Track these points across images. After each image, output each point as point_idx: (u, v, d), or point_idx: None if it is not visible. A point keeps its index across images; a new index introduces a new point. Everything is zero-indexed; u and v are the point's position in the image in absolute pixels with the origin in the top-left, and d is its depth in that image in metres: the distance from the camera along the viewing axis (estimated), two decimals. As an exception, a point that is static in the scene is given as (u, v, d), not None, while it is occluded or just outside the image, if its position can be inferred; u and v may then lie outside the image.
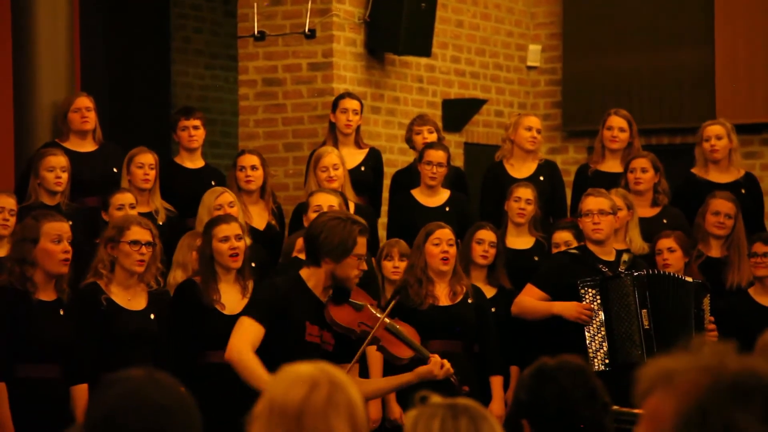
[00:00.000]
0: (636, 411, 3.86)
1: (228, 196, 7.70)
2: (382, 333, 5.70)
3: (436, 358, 5.74)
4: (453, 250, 7.28)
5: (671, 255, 7.64)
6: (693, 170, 8.67)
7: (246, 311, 5.60)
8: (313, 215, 6.96)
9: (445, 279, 7.30)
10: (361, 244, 5.50)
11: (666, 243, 7.69)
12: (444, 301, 7.26)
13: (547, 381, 3.33)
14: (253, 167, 8.17)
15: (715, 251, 8.04)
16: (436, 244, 7.25)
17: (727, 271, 7.94)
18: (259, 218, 8.15)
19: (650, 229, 7.97)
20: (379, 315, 5.68)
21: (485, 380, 7.31)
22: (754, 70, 10.92)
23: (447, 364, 5.73)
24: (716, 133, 8.53)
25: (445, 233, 7.27)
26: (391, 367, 6.19)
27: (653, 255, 7.73)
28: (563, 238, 7.79)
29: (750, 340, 8.10)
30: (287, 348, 5.45)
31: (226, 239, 6.74)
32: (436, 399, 2.89)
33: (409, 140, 8.93)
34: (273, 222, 8.19)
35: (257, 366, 5.37)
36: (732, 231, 8.00)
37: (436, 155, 8.30)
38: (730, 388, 1.92)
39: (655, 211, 8.30)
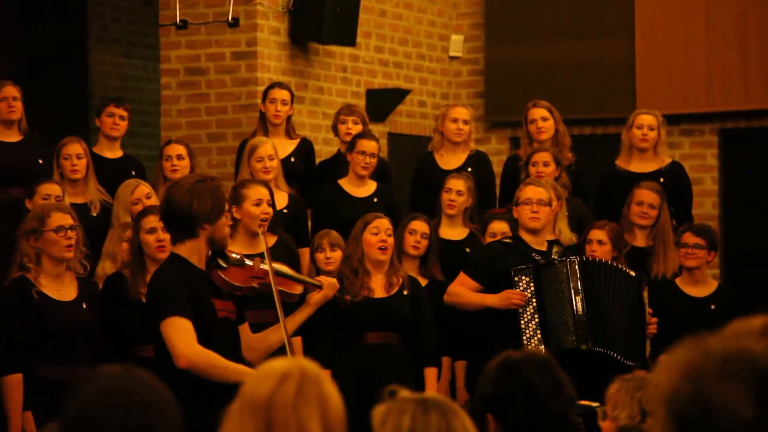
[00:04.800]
0: (592, 404, 3.85)
1: (144, 188, 7.64)
2: (276, 279, 5.72)
3: (325, 280, 5.88)
4: (391, 240, 7.24)
5: (600, 247, 7.65)
6: (616, 161, 8.72)
7: (168, 311, 5.22)
8: (252, 208, 6.85)
9: (381, 270, 7.26)
10: (226, 198, 5.40)
11: (597, 234, 7.69)
12: (379, 293, 7.21)
13: (513, 374, 3.27)
14: (179, 156, 8.12)
15: (640, 241, 8.09)
16: (375, 234, 7.21)
17: (652, 262, 7.99)
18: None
19: None
20: (261, 263, 5.69)
21: (420, 372, 7.28)
22: (673, 61, 11.02)
23: (334, 281, 5.91)
24: (649, 123, 8.59)
25: (383, 223, 7.23)
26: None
27: (582, 244, 7.75)
28: (500, 229, 7.78)
29: (678, 329, 8.19)
30: (207, 332, 5.28)
31: (152, 231, 6.64)
32: (404, 393, 2.84)
33: (334, 128, 8.86)
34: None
35: (221, 360, 5.20)
36: (656, 221, 8.05)
37: (370, 145, 8.25)
38: (720, 366, 1.93)
39: None
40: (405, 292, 7.25)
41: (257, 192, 6.92)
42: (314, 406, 2.58)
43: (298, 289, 5.91)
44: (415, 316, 7.26)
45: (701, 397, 1.91)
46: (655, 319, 7.33)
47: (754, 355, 1.92)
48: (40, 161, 8.04)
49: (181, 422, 2.30)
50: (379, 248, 7.19)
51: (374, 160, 8.27)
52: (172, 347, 5.19)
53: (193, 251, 5.31)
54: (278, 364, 2.63)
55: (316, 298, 5.78)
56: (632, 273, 7.34)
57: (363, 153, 8.24)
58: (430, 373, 7.32)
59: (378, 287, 7.23)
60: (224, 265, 5.51)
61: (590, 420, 3.67)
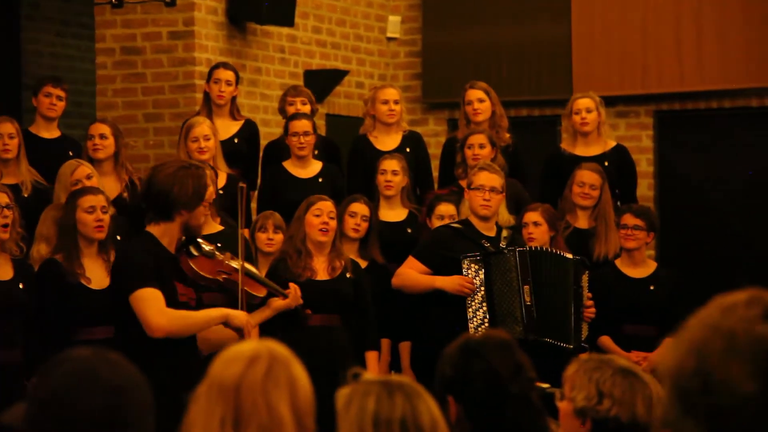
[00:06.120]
0: (544, 386, 3.85)
1: (85, 169, 7.54)
2: (243, 278, 5.75)
3: (293, 291, 5.99)
4: (333, 223, 7.22)
5: (536, 229, 7.66)
6: (561, 145, 8.74)
7: (135, 283, 5.27)
8: None
9: (323, 252, 7.24)
10: (210, 188, 5.54)
11: (532, 216, 7.70)
12: (322, 275, 7.19)
13: (474, 357, 3.26)
14: (102, 136, 8.00)
15: (582, 222, 8.12)
16: (317, 215, 7.18)
17: (594, 243, 8.02)
18: (111, 189, 7.92)
19: None
20: (231, 260, 5.72)
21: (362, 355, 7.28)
22: (609, 44, 11.07)
23: (299, 293, 6.05)
24: (586, 106, 8.60)
25: (326, 205, 7.21)
26: None
27: (519, 228, 7.76)
28: (447, 211, 7.76)
29: (617, 310, 8.20)
30: None
31: (92, 210, 6.56)
32: (368, 376, 2.82)
33: (282, 110, 8.80)
34: (125, 194, 8.00)
35: (191, 316, 5.24)
36: (598, 202, 8.09)
37: (300, 125, 8.22)
38: (726, 342, 1.94)
39: None
40: (348, 275, 7.23)
41: None
42: (283, 388, 2.56)
43: (262, 292, 5.97)
44: (357, 299, 7.25)
45: (704, 371, 1.94)
46: (591, 303, 7.37)
47: (761, 333, 1.94)
48: (-27, 142, 7.92)
49: (152, 405, 2.26)
50: (321, 230, 7.16)
51: (309, 138, 8.23)
52: (145, 319, 5.21)
53: (165, 233, 5.35)
54: (247, 346, 2.60)
55: (278, 303, 5.83)
56: (572, 257, 7.36)
57: (296, 134, 8.21)
58: (371, 356, 7.33)
59: (321, 269, 7.20)
60: (195, 253, 5.56)
61: (547, 401, 3.67)
